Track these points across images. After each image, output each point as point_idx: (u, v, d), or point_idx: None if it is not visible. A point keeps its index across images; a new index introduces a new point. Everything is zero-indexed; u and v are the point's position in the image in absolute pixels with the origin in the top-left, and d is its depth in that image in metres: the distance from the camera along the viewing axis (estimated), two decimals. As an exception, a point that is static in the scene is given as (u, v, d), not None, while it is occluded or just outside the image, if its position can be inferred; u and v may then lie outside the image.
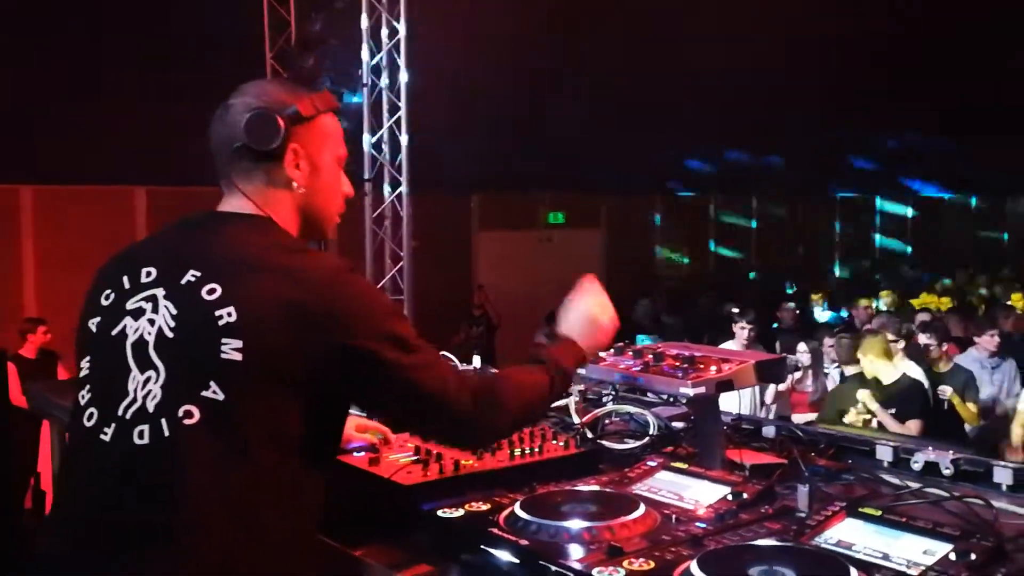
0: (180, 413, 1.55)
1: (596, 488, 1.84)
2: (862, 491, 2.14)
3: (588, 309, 1.97)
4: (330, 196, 1.82)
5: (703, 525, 1.65)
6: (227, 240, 1.68)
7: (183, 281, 1.63)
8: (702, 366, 2.17)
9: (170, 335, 1.61)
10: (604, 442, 2.49)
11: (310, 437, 1.60)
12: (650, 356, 2.29)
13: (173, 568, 1.49)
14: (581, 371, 2.35)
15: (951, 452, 2.25)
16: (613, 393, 2.87)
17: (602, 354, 2.41)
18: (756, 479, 1.83)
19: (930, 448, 2.31)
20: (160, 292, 1.65)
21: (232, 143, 1.71)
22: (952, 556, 1.45)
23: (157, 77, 8.84)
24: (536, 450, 2.12)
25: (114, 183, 10.03)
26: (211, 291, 1.59)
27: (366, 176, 7.39)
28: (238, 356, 1.54)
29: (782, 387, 6.59)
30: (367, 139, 7.42)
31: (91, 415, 1.63)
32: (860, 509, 1.65)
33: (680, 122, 11.39)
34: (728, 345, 7.38)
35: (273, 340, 1.55)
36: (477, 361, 3.46)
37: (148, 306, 1.65)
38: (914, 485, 2.18)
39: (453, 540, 1.72)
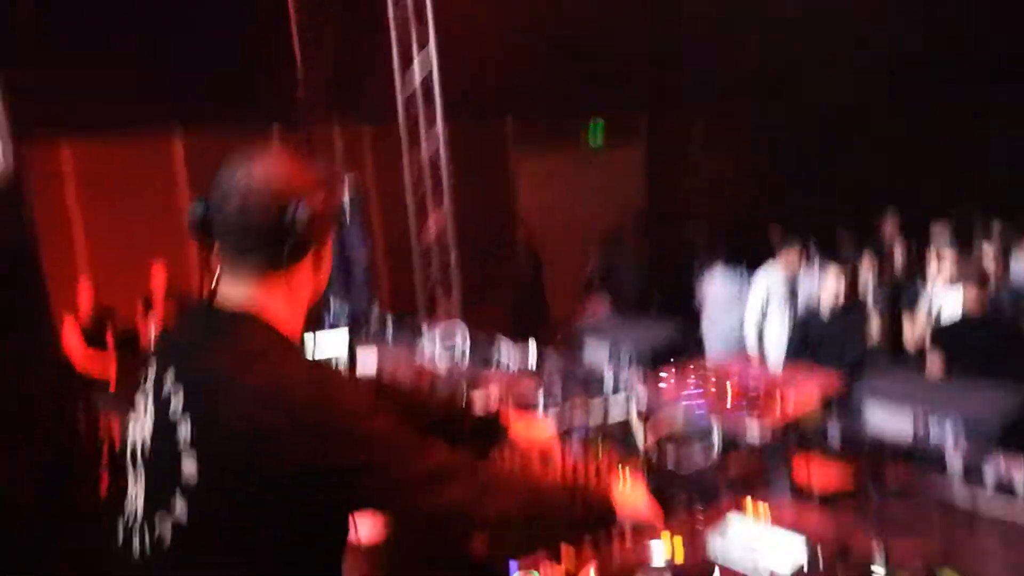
0: (158, 528, 1.58)
1: (669, 563, 1.84)
2: (931, 516, 2.15)
3: (640, 491, 1.94)
4: (327, 272, 1.81)
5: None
6: (209, 344, 1.65)
7: (163, 388, 1.63)
8: (766, 401, 2.16)
9: (148, 444, 1.63)
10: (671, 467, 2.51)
11: (291, 556, 1.59)
12: (712, 381, 2.28)
13: None
14: (641, 394, 2.37)
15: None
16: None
17: (663, 374, 2.41)
18: (832, 541, 1.82)
19: (1001, 460, 2.30)
20: (150, 396, 1.66)
21: (262, 226, 1.65)
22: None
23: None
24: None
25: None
26: (177, 402, 1.59)
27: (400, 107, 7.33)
28: (195, 477, 1.54)
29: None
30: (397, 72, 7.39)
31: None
32: (938, 571, 1.64)
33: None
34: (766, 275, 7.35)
35: (228, 460, 1.53)
36: (533, 347, 3.47)
37: (141, 409, 1.68)
38: (985, 505, 2.18)
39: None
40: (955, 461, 2.36)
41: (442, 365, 3.68)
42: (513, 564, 1.87)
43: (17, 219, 3.44)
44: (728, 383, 2.22)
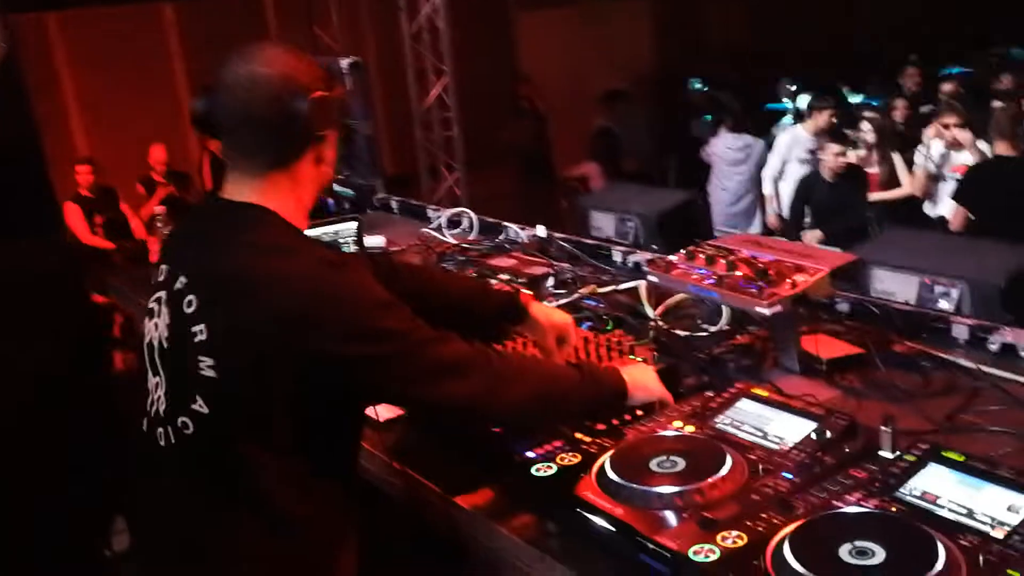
0: (179, 423, 1.64)
1: (682, 435, 1.89)
2: (939, 384, 2.19)
3: (649, 372, 2.03)
4: (332, 167, 1.81)
5: (789, 476, 1.71)
6: (219, 240, 1.67)
7: (175, 287, 1.67)
8: (775, 278, 2.17)
9: (165, 345, 1.68)
10: (679, 332, 2.55)
11: (315, 444, 1.65)
12: (723, 262, 2.29)
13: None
14: (653, 279, 2.38)
15: (1027, 334, 2.26)
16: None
17: (672, 258, 2.42)
18: (836, 414, 1.86)
19: (1006, 329, 2.33)
20: (163, 295, 1.70)
21: (266, 119, 1.65)
22: (1036, 517, 1.50)
23: None
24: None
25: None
26: (189, 303, 1.63)
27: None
28: (213, 373, 1.59)
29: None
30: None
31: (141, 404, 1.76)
32: (943, 454, 1.69)
33: None
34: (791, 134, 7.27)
35: (245, 356, 1.58)
36: (541, 230, 3.47)
37: (155, 308, 1.72)
38: (990, 370, 2.22)
39: (549, 500, 1.81)
40: (960, 329, 2.39)
41: (450, 240, 3.69)
42: (528, 449, 1.92)
43: (16, 102, 3.41)
44: (736, 262, 2.22)
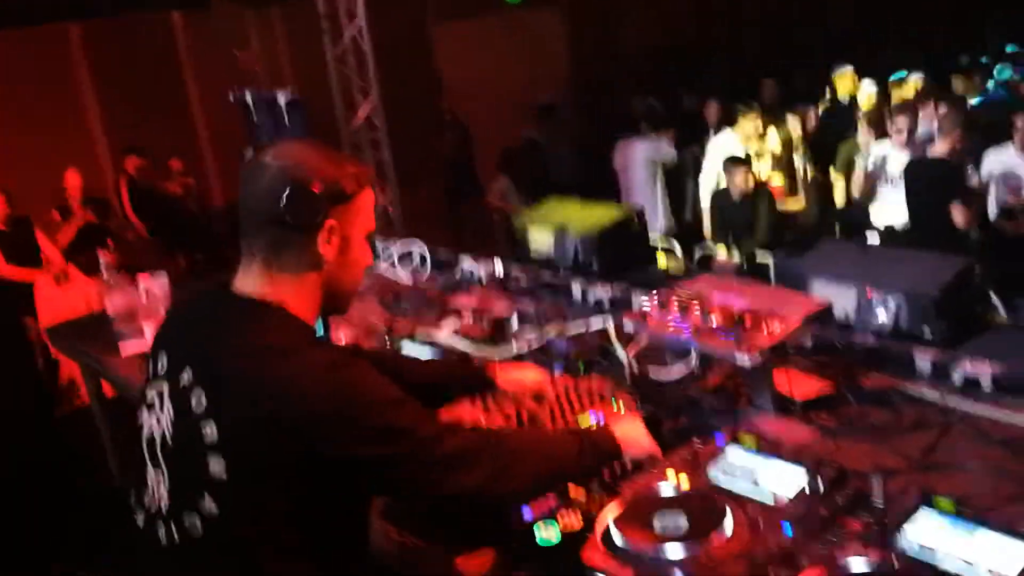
0: (186, 523, 1.61)
1: (681, 492, 1.93)
2: (909, 419, 2.28)
3: (637, 425, 2.06)
4: (355, 271, 1.80)
5: (789, 530, 1.77)
6: (228, 337, 1.66)
7: (181, 382, 1.64)
8: (751, 326, 2.23)
9: (170, 442, 1.65)
10: (651, 375, 2.60)
11: (324, 543, 1.64)
12: (696, 311, 2.34)
13: None
14: (629, 328, 2.43)
15: (988, 364, 2.37)
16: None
17: (644, 306, 2.47)
18: (825, 463, 1.92)
19: (967, 362, 2.43)
20: (165, 388, 1.68)
21: (264, 208, 1.66)
22: (1033, 565, 1.58)
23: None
24: (601, 419, 2.20)
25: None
26: (199, 401, 1.61)
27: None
28: (223, 475, 1.57)
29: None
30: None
31: (132, 493, 1.75)
32: (935, 501, 1.76)
33: None
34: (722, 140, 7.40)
35: (257, 459, 1.56)
36: (499, 265, 3.49)
37: (157, 402, 1.69)
38: (956, 406, 2.32)
39: (556, 566, 1.84)
40: (924, 362, 2.49)
41: (405, 280, 3.69)
42: (527, 510, 1.94)
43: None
44: (710, 309, 2.28)
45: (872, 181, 6.58)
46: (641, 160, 7.76)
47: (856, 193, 6.78)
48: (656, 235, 7.36)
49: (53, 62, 9.51)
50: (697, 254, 7.07)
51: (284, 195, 1.64)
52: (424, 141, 8.43)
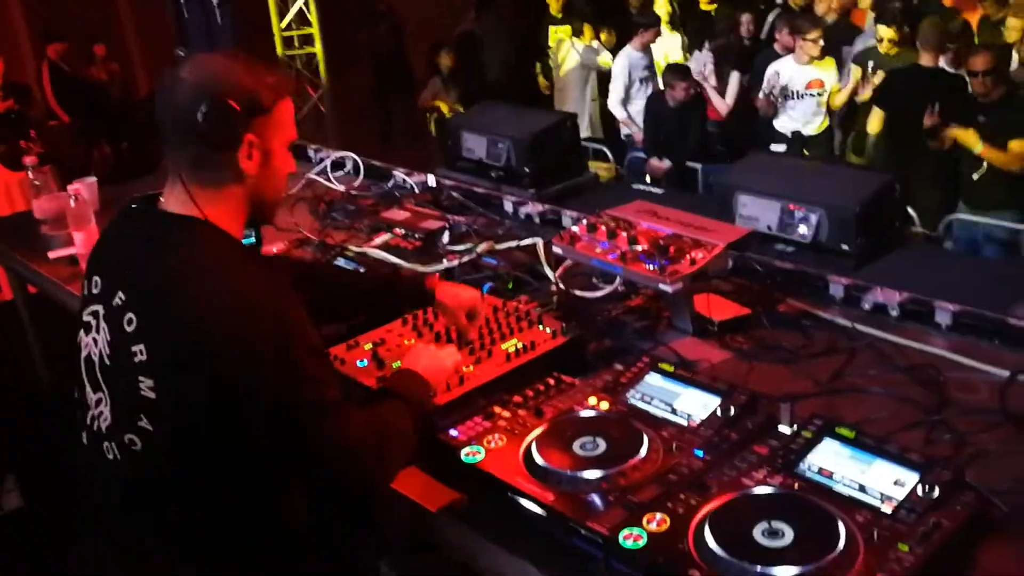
0: (126, 440, 1.67)
1: (601, 415, 2.02)
2: (820, 344, 2.40)
3: (431, 351, 2.09)
4: (279, 181, 1.82)
5: (700, 454, 1.87)
6: (157, 257, 1.68)
7: (114, 303, 1.68)
8: (675, 254, 2.31)
9: (107, 362, 1.70)
10: (578, 292, 2.67)
11: (249, 468, 1.67)
12: (624, 236, 2.40)
13: None
14: (558, 251, 2.49)
15: (897, 294, 2.49)
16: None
17: (574, 229, 2.53)
18: (738, 389, 2.02)
19: (878, 289, 2.55)
20: (100, 310, 1.71)
21: (182, 125, 1.67)
22: (919, 491, 1.70)
23: None
24: (528, 347, 2.27)
25: None
26: (130, 321, 1.65)
27: None
28: (152, 394, 1.62)
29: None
30: None
31: (78, 413, 1.79)
32: (836, 430, 1.88)
33: None
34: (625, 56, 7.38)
35: (181, 380, 1.60)
36: (431, 178, 3.49)
37: (93, 322, 1.73)
38: (865, 329, 2.44)
39: (480, 484, 1.93)
40: (837, 289, 2.60)
41: (338, 189, 3.69)
42: (452, 427, 2.02)
43: None
44: (637, 236, 2.35)
45: (772, 105, 6.64)
46: (573, 64, 7.74)
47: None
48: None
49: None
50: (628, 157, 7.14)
51: (200, 113, 1.64)
52: (355, 35, 8.26)
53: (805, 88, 6.53)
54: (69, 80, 8.50)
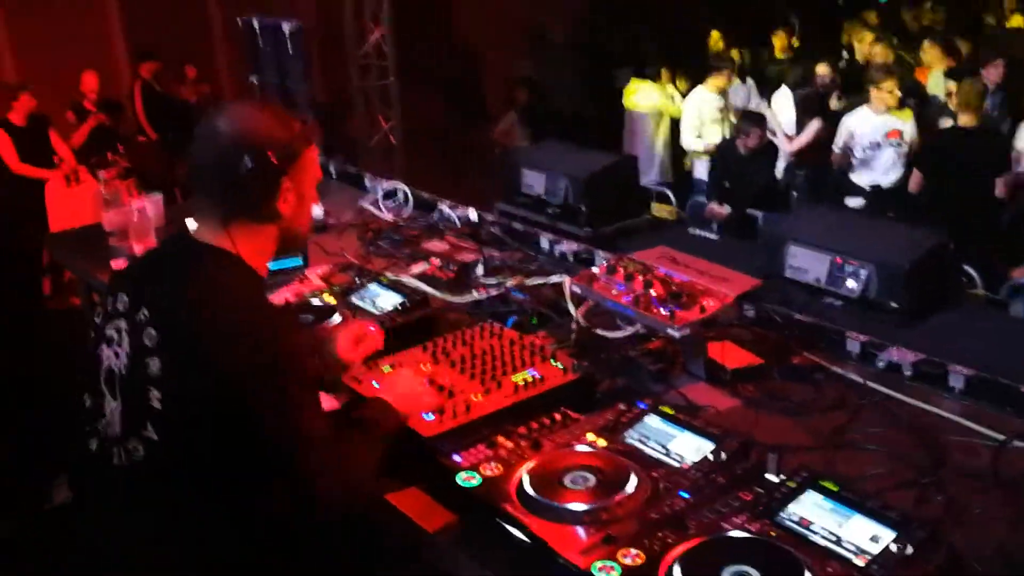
0: (130, 446, 1.79)
1: (594, 451, 2.09)
2: (830, 397, 2.42)
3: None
4: (308, 216, 1.99)
5: (686, 495, 1.92)
6: (184, 280, 1.83)
7: (137, 318, 1.81)
8: (687, 301, 2.37)
9: (124, 373, 1.82)
10: (599, 331, 2.73)
11: (246, 473, 1.78)
12: (640, 280, 2.47)
13: None
14: (576, 290, 2.56)
15: (911, 354, 2.50)
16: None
17: (594, 270, 2.60)
18: (732, 436, 2.07)
19: (893, 348, 2.56)
20: (124, 325, 1.84)
21: (225, 174, 1.83)
22: (893, 548, 1.73)
23: None
24: (537, 380, 2.34)
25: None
26: (150, 336, 1.78)
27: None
28: (159, 405, 1.75)
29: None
30: None
31: (85, 420, 1.91)
32: (820, 483, 1.91)
33: None
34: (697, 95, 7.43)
35: (187, 395, 1.73)
36: (473, 212, 3.60)
37: (115, 336, 1.86)
38: (875, 386, 2.46)
39: (472, 507, 2.00)
40: (854, 345, 2.62)
41: (386, 219, 3.82)
42: (456, 452, 2.10)
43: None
44: (653, 280, 2.41)
45: (846, 158, 6.62)
46: (646, 107, 7.83)
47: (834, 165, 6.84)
48: (651, 181, 7.48)
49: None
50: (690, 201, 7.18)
51: (243, 165, 1.79)
52: (431, 69, 8.46)
53: (885, 138, 6.48)
54: (159, 98, 8.88)
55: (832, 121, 6.94)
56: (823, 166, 6.96)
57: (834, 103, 7.24)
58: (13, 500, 3.66)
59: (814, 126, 7.08)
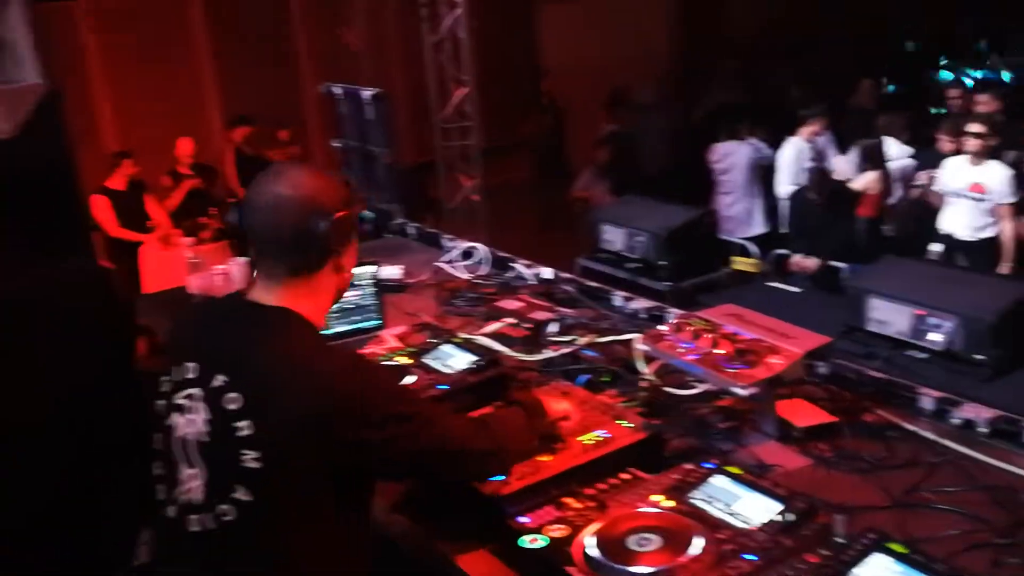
0: (219, 511, 1.84)
1: (658, 513, 2.09)
2: (903, 456, 2.38)
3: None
4: (351, 273, 2.09)
5: (751, 558, 1.92)
6: (258, 343, 1.90)
7: (213, 385, 1.87)
8: (753, 359, 2.37)
9: (205, 439, 1.87)
10: (670, 389, 2.74)
11: (344, 518, 1.89)
12: (708, 338, 2.48)
13: None
14: (644, 348, 2.58)
15: (986, 411, 2.45)
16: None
17: (662, 328, 2.62)
18: (799, 497, 2.05)
19: (967, 406, 2.51)
20: (198, 392, 1.90)
21: (288, 238, 1.91)
22: (962, 616, 1.70)
23: None
24: (605, 440, 2.36)
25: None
26: (234, 400, 1.83)
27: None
28: (257, 464, 1.79)
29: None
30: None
31: (160, 489, 1.96)
32: (887, 545, 1.88)
33: None
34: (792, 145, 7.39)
35: (288, 449, 1.80)
36: (548, 272, 3.65)
37: (189, 404, 1.91)
38: (950, 444, 2.41)
39: (538, 570, 2.03)
40: (927, 402, 2.58)
41: (463, 278, 3.91)
42: (523, 514, 2.13)
43: (56, 138, 3.59)
44: (719, 339, 2.42)
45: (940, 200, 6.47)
46: (746, 162, 7.76)
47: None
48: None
49: (173, 34, 10.03)
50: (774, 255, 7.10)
51: (321, 227, 1.88)
52: (514, 126, 8.60)
53: (967, 189, 6.30)
54: (250, 160, 9.18)
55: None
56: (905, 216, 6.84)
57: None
58: (100, 559, 3.77)
59: (868, 176, 6.97)
